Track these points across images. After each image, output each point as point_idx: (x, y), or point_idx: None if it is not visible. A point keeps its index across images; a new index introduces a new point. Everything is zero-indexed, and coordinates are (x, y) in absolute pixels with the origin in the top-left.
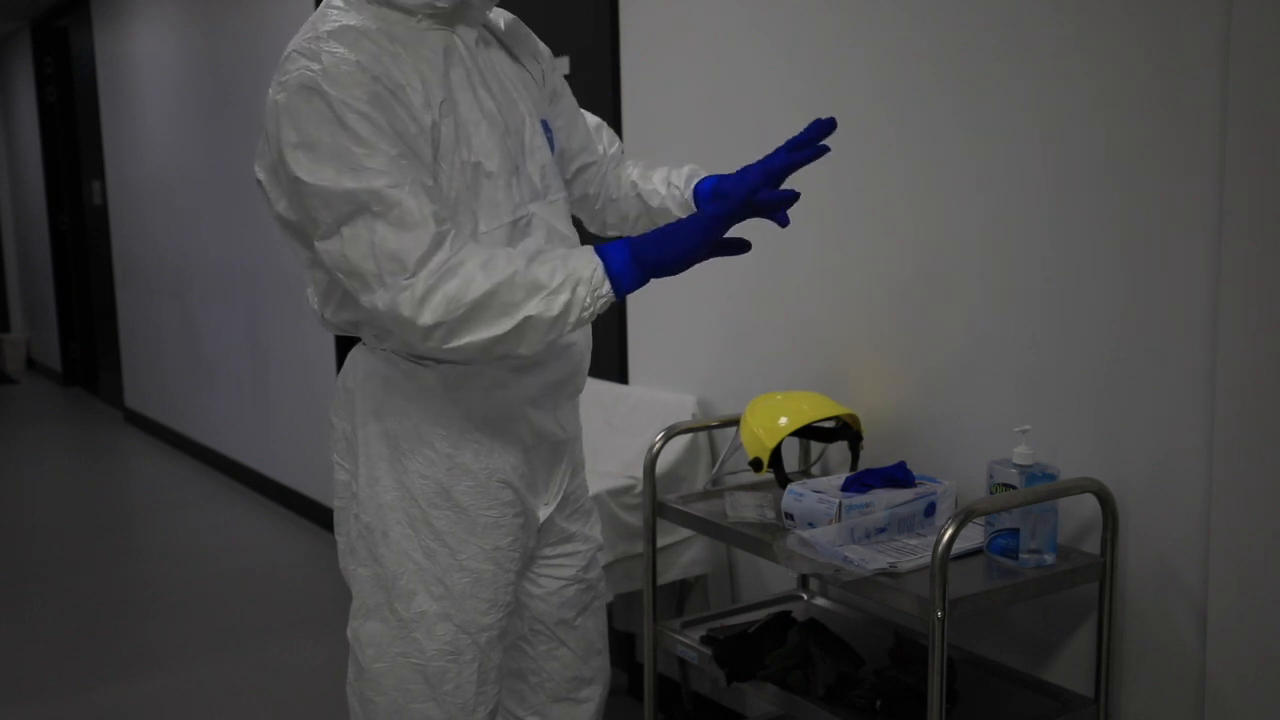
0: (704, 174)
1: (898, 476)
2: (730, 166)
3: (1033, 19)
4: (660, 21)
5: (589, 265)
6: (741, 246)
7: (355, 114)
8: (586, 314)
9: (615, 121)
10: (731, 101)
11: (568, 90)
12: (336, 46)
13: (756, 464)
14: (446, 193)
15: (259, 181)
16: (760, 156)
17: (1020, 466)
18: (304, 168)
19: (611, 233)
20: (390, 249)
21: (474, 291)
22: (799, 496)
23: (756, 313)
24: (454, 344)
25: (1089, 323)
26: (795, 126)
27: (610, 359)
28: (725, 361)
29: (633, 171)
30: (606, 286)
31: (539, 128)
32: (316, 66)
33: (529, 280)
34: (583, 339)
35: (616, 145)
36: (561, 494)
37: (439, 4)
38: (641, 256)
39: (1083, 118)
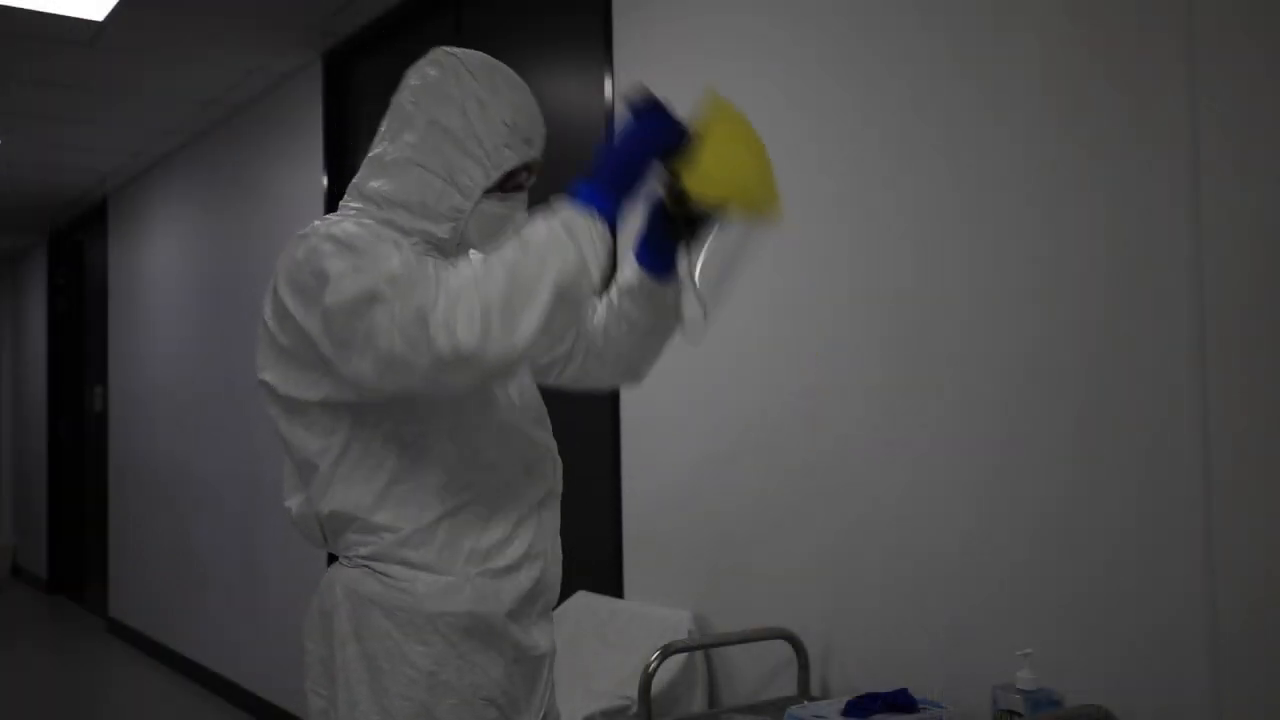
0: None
1: (900, 702)
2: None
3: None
4: None
5: (563, 210)
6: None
7: (362, 239)
8: (599, 244)
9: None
10: None
11: None
12: (351, 225)
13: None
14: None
15: (261, 381)
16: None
17: (1024, 692)
18: (331, 291)
19: (620, 366)
20: (409, 316)
21: (495, 291)
22: None
23: (755, 529)
24: (511, 342)
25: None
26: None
27: (605, 571)
28: (722, 579)
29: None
30: (592, 211)
31: None
32: (332, 230)
33: (526, 255)
34: (550, 549)
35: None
36: (543, 712)
37: (438, 234)
38: (594, 178)
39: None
